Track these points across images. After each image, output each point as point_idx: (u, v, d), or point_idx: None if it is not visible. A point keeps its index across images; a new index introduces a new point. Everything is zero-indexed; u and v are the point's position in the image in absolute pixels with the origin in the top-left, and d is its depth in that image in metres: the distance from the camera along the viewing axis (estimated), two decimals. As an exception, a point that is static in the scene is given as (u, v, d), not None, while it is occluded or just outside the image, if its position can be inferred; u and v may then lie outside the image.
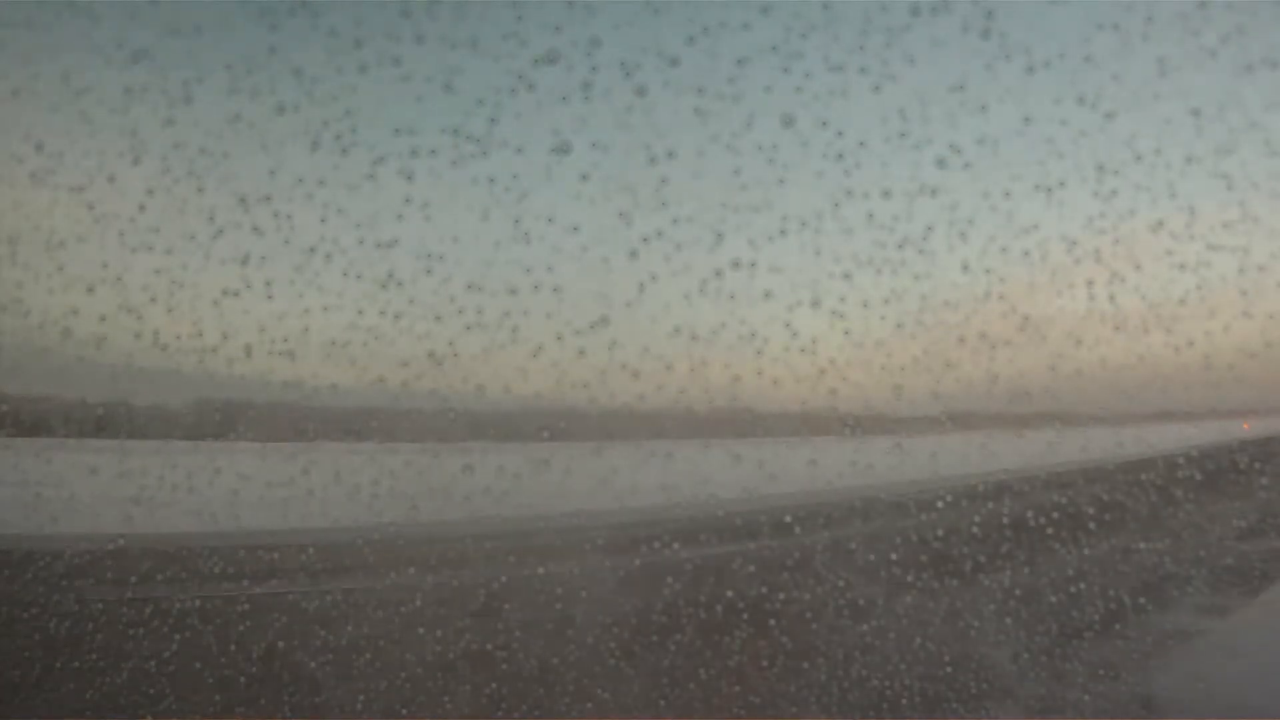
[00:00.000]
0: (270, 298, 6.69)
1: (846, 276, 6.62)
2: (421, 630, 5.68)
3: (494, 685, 4.53)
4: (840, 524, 11.38)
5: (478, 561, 8.67)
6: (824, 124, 6.39)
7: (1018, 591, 6.59)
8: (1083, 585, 6.79)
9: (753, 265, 6.26)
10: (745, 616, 5.74)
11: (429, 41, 6.72)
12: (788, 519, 11.59)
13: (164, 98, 6.97)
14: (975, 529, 10.24)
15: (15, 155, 6.61)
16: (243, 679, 4.66)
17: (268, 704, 4.32)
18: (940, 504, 12.91)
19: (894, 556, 8.65)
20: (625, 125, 6.95)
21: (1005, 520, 10.74)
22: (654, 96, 6.70)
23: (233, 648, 5.22)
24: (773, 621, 5.68)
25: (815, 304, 6.31)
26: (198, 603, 6.51)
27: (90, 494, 11.05)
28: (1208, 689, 4.33)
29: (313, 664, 4.95)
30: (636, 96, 6.60)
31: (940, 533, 10.00)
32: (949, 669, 4.75)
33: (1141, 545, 8.71)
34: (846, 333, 6.55)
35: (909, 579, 7.16)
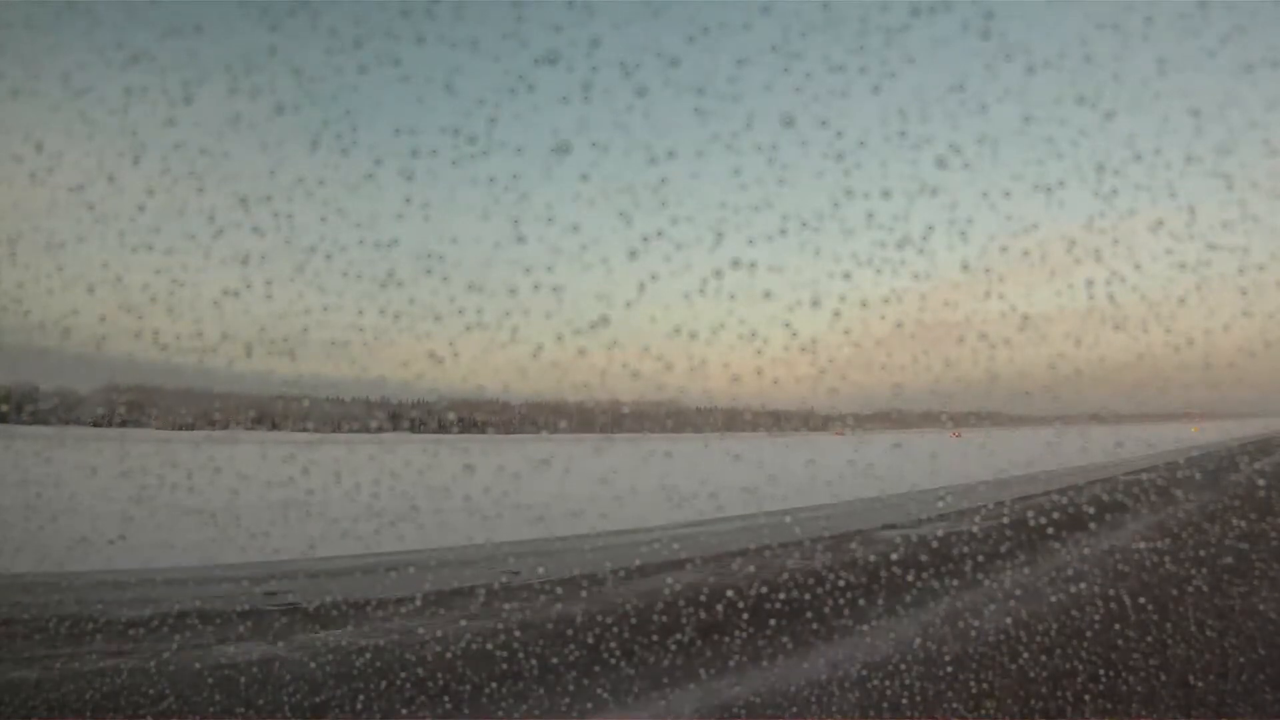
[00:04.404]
0: (270, 298, 6.70)
1: (846, 276, 6.64)
2: (421, 630, 5.69)
3: (493, 685, 4.53)
4: (840, 522, 11.41)
5: (477, 561, 8.69)
6: (824, 124, 6.40)
7: (1018, 591, 6.59)
8: (1083, 585, 6.79)
9: (753, 265, 6.28)
10: (745, 617, 5.74)
11: (429, 42, 6.73)
12: (787, 519, 11.61)
13: (164, 98, 6.97)
14: (975, 528, 10.26)
15: (15, 155, 6.61)
16: (243, 679, 4.66)
17: (267, 704, 4.32)
18: (940, 503, 12.91)
19: (894, 556, 8.67)
20: (625, 125, 6.96)
21: (1005, 519, 10.75)
22: (654, 96, 6.71)
23: (232, 648, 5.22)
24: (773, 621, 5.68)
25: (815, 304, 6.32)
26: (197, 603, 6.51)
27: (91, 491, 11.07)
28: (1208, 689, 4.33)
29: (313, 664, 4.95)
30: (636, 96, 6.61)
31: (940, 532, 10.01)
32: (949, 669, 4.75)
33: (1141, 545, 8.73)
34: (846, 332, 6.55)
35: (909, 578, 7.17)
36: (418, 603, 6.52)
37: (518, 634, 5.42)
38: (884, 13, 6.83)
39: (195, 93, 7.11)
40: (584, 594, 6.89)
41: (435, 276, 6.56)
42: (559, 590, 7.01)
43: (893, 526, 10.87)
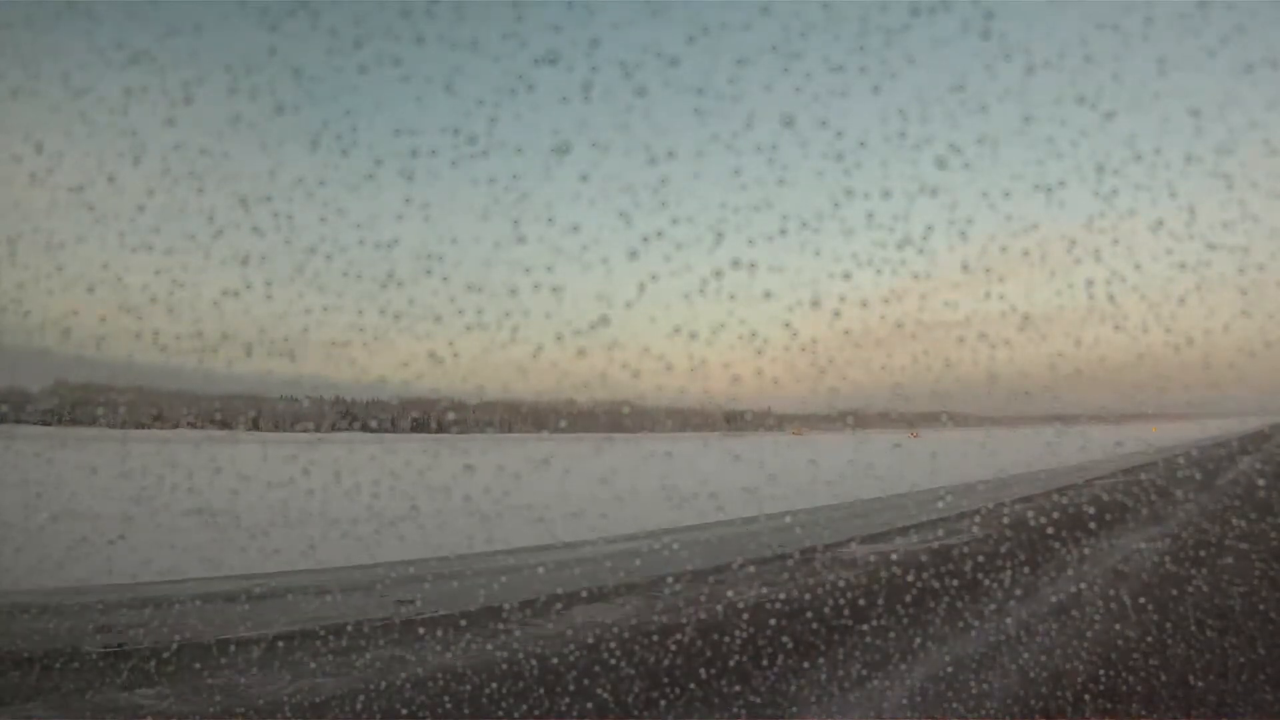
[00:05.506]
0: (270, 298, 6.71)
1: (846, 276, 6.65)
2: (422, 630, 5.69)
3: (494, 685, 4.53)
4: (840, 523, 11.42)
5: (478, 563, 8.69)
6: (824, 124, 6.41)
7: (1018, 591, 6.59)
8: (1082, 585, 6.80)
9: (753, 265, 6.29)
10: (745, 616, 5.74)
11: (429, 42, 6.74)
12: (787, 519, 11.61)
13: (164, 98, 6.98)
14: (975, 528, 10.26)
15: (15, 155, 6.62)
16: (244, 680, 4.66)
17: (268, 704, 4.32)
18: (940, 503, 12.90)
19: (894, 556, 8.68)
20: (625, 125, 6.97)
21: (1005, 519, 10.76)
22: (654, 96, 6.71)
23: (233, 648, 5.22)
24: (773, 621, 5.68)
25: (815, 304, 6.32)
26: (197, 603, 6.51)
27: (90, 491, 11.07)
28: (1208, 689, 4.33)
29: (313, 664, 4.95)
30: (636, 96, 6.61)
31: (940, 532, 10.02)
32: (949, 669, 4.75)
33: (1141, 545, 8.73)
34: (846, 332, 6.56)
35: (909, 578, 7.17)
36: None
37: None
38: (884, 13, 6.84)
39: (195, 93, 7.12)
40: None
41: (435, 276, 6.58)
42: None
43: (884, 536, 10.88)
